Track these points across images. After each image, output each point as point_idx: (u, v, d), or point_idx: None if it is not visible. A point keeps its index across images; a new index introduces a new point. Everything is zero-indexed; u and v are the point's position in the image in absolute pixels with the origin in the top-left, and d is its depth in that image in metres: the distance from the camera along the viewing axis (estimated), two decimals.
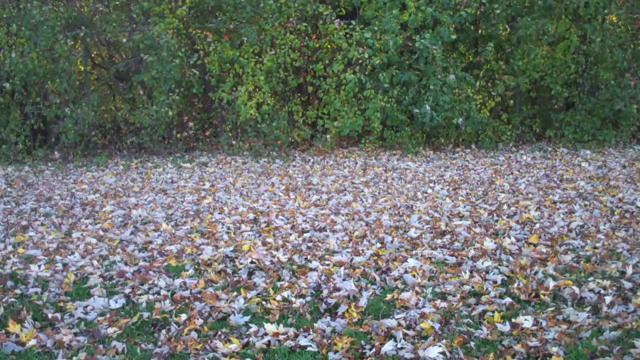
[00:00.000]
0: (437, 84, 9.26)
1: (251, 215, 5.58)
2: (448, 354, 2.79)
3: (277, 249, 4.51)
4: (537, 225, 4.96)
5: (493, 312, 3.25)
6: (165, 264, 4.24)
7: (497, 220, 5.18)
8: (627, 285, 3.57)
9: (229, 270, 4.07)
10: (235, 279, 3.89)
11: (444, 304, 3.37)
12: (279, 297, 3.53)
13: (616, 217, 5.19)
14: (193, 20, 9.95)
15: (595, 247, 4.36)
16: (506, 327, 3.04)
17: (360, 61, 9.42)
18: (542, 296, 3.45)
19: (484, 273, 3.88)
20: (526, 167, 8.04)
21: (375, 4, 9.50)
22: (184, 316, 3.28)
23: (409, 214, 5.50)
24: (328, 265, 4.12)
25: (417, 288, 3.64)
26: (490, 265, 3.99)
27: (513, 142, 10.07)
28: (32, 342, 2.99)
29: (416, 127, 9.52)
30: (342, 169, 8.27)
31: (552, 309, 3.28)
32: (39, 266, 4.18)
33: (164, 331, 3.13)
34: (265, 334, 3.05)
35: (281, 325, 3.12)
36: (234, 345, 2.92)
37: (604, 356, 2.74)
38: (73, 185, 7.50)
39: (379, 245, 4.57)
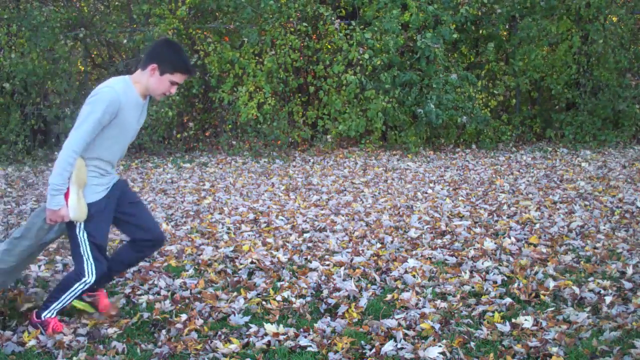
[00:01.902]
0: (439, 83, 9.27)
1: (251, 216, 5.58)
2: (448, 354, 2.78)
3: (277, 249, 4.51)
4: (537, 226, 4.96)
5: (493, 312, 3.25)
6: (166, 264, 4.24)
7: (497, 221, 5.18)
8: (627, 285, 3.57)
9: (229, 271, 4.07)
10: (235, 279, 3.89)
11: (444, 304, 3.36)
12: (279, 298, 3.53)
13: (616, 218, 5.18)
14: (193, 21, 9.96)
15: (595, 248, 4.36)
16: (506, 328, 3.04)
17: (360, 62, 9.42)
18: (542, 296, 3.45)
19: (484, 273, 3.88)
20: (526, 168, 8.04)
21: (376, 5, 9.50)
22: (184, 316, 3.28)
23: (409, 214, 5.50)
24: (328, 265, 4.12)
25: (417, 288, 3.64)
26: (490, 266, 3.98)
27: (513, 143, 10.07)
28: (32, 342, 2.99)
29: (421, 127, 9.51)
30: (342, 169, 8.27)
31: (552, 309, 3.28)
32: (39, 266, 4.18)
33: (164, 331, 3.13)
34: (265, 334, 3.05)
35: (281, 326, 3.12)
36: (234, 346, 2.92)
37: (604, 356, 2.74)
38: None
39: (379, 245, 4.57)
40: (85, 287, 3.09)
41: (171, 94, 3.07)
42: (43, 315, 3.11)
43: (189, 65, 3.03)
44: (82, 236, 3.03)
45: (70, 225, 3.04)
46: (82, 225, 3.02)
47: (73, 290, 3.08)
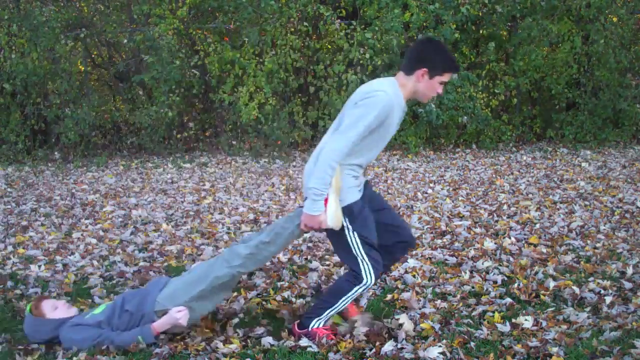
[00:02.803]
0: None
1: (251, 216, 5.58)
2: (448, 354, 2.78)
3: None
4: (537, 226, 4.96)
5: (493, 312, 3.25)
6: (166, 264, 4.24)
7: (497, 221, 5.18)
8: (627, 285, 3.57)
9: None
10: None
11: (444, 304, 3.36)
12: (279, 297, 3.53)
13: (616, 218, 5.18)
14: (193, 21, 9.96)
15: (595, 248, 4.36)
16: (506, 328, 3.04)
17: (361, 62, 9.42)
18: (542, 296, 3.45)
19: (484, 273, 3.88)
20: (526, 168, 8.04)
21: (376, 4, 9.50)
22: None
23: (409, 214, 5.50)
24: (328, 265, 4.12)
25: (417, 288, 3.64)
26: (491, 266, 3.98)
27: (513, 143, 10.07)
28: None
29: (421, 126, 9.51)
30: None
31: (552, 309, 3.28)
32: (39, 266, 4.18)
33: None
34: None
35: None
36: (234, 346, 2.92)
37: (604, 356, 2.74)
38: (73, 186, 7.50)
39: None
40: (364, 290, 2.89)
41: (439, 94, 2.90)
42: (311, 324, 2.95)
43: (456, 64, 2.86)
44: (353, 236, 2.84)
45: (336, 231, 2.85)
46: (351, 227, 2.84)
47: (350, 295, 2.89)
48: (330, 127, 2.87)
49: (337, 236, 2.87)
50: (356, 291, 2.88)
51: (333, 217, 2.77)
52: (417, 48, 2.84)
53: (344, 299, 2.90)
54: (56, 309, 3.03)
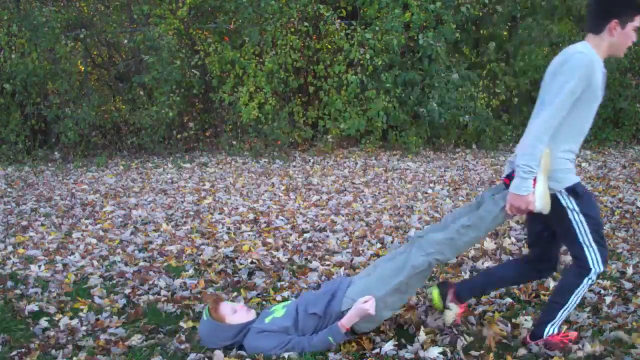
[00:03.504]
0: (441, 82, 9.26)
1: (251, 216, 5.58)
2: (448, 354, 2.78)
3: (277, 249, 4.51)
4: None
5: (493, 312, 3.25)
6: (166, 264, 4.24)
7: None
8: (627, 285, 3.57)
9: (229, 271, 4.07)
10: (235, 279, 3.89)
11: None
12: (279, 297, 3.53)
13: (616, 218, 5.18)
14: (193, 21, 9.96)
15: None
16: (506, 328, 3.03)
17: (361, 62, 9.42)
18: (542, 296, 3.45)
19: None
20: None
21: (377, 4, 9.50)
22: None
23: (409, 214, 5.49)
24: (328, 265, 4.12)
25: (417, 288, 3.64)
26: (491, 266, 3.98)
27: (513, 143, 10.07)
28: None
29: (422, 126, 9.51)
30: (342, 169, 8.27)
31: None
32: (39, 266, 4.18)
33: (163, 331, 3.13)
34: None
35: None
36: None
37: (604, 357, 2.73)
38: (73, 186, 7.50)
39: (379, 245, 4.57)
40: (594, 280, 2.71)
41: (633, 41, 2.68)
42: (546, 331, 2.79)
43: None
44: (579, 219, 2.64)
45: (560, 217, 2.68)
46: (577, 208, 2.64)
47: (581, 289, 2.71)
48: (534, 111, 2.72)
49: (561, 221, 2.69)
50: (586, 283, 2.70)
51: (541, 199, 2.59)
52: (598, 3, 2.68)
53: (574, 295, 2.72)
54: (235, 313, 2.88)
